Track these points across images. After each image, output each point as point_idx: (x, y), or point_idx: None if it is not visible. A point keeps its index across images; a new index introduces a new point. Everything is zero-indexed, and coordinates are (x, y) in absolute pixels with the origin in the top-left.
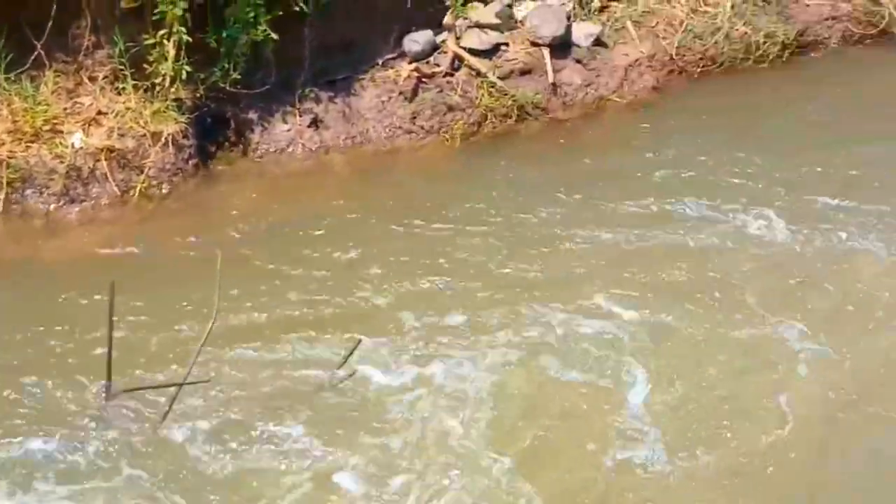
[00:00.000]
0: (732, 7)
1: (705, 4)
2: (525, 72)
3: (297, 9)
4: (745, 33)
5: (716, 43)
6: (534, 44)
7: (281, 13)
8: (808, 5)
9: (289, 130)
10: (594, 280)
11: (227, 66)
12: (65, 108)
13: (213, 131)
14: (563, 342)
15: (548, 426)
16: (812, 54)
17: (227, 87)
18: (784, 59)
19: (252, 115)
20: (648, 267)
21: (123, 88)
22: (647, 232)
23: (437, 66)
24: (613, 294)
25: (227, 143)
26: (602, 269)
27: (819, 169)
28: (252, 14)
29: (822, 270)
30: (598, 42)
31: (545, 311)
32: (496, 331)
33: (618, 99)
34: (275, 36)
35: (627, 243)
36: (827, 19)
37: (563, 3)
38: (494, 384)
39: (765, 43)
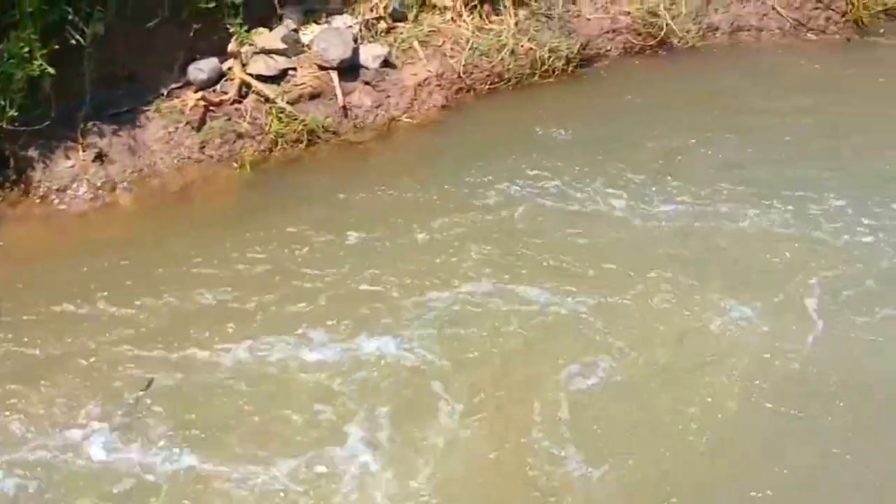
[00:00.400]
0: (516, 24)
1: (490, 22)
2: (314, 96)
3: (74, 42)
4: (530, 49)
5: (502, 59)
6: (322, 67)
7: (57, 46)
8: (589, 19)
9: (72, 167)
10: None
11: (2, 103)
12: None
13: None
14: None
15: None
16: (596, 66)
17: (4, 125)
18: (569, 72)
19: (32, 153)
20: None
21: None
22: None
23: (225, 93)
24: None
25: (6, 183)
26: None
27: (620, 165)
28: (26, 49)
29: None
30: (387, 63)
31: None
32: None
33: (408, 119)
34: (52, 70)
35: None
36: (608, 32)
37: (350, 26)
38: None
39: (549, 57)
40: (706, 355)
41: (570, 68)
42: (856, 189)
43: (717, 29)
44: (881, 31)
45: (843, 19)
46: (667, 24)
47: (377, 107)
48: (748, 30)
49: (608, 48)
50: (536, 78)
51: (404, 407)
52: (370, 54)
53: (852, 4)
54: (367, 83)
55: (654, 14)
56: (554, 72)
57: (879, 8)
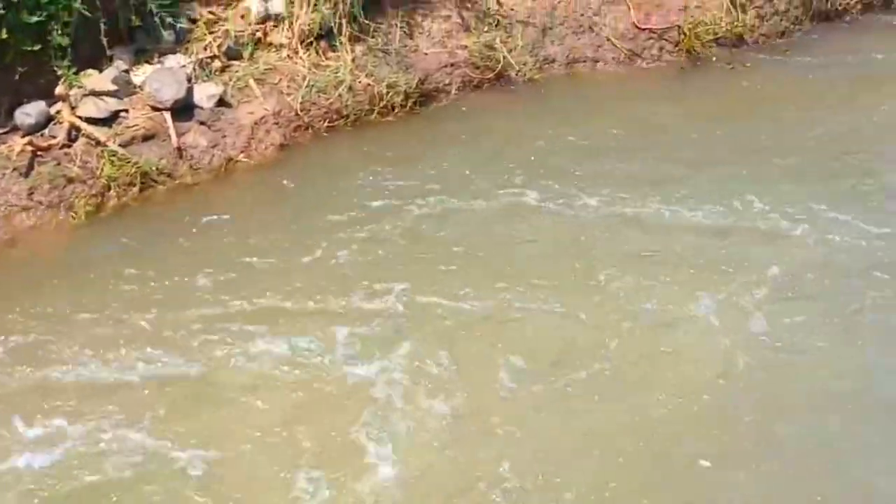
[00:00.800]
0: (353, 60)
1: (327, 59)
2: (148, 137)
3: None
4: (368, 85)
5: (340, 96)
6: (155, 108)
7: None
8: (426, 54)
9: None
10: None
11: None
12: None
13: None
14: None
15: None
16: (434, 103)
17: None
18: (408, 108)
19: None
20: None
21: None
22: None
23: (53, 137)
24: None
25: None
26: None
27: (483, 177)
28: None
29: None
30: (222, 102)
31: None
32: None
33: (245, 159)
34: None
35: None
36: (446, 66)
37: (183, 66)
38: None
39: (388, 93)
40: (649, 355)
41: (410, 104)
42: (766, 185)
43: (553, 61)
44: (713, 58)
45: (676, 49)
46: (504, 57)
47: (213, 147)
48: (584, 61)
49: (447, 82)
50: (376, 115)
51: None
52: (204, 94)
53: (684, 34)
54: (202, 123)
55: (491, 47)
56: (393, 108)
57: (710, 37)
